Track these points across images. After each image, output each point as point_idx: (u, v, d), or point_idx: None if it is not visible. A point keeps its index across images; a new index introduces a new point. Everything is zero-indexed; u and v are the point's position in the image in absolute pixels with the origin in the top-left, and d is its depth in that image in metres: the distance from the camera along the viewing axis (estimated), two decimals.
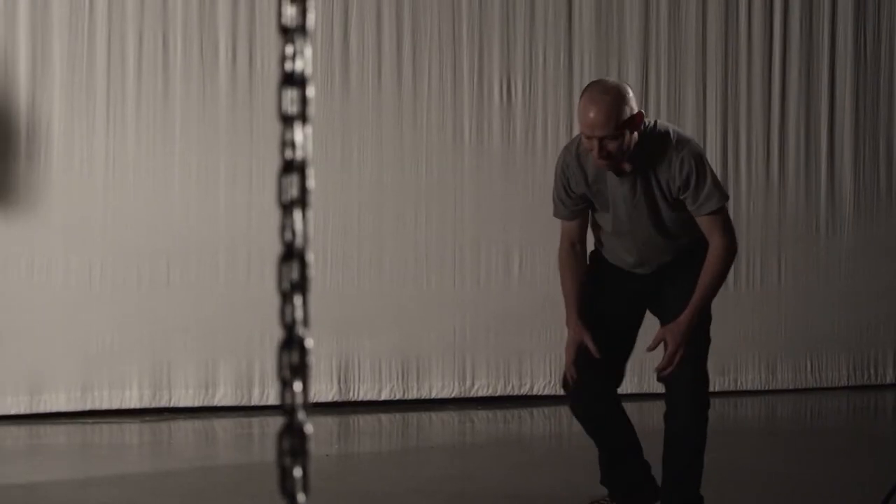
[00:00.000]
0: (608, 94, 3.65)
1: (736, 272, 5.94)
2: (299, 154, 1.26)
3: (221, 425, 5.28)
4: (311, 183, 1.27)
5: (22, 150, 5.10)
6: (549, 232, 5.73)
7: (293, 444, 1.27)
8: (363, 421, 5.43)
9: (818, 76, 6.18)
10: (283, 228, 1.27)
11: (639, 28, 5.91)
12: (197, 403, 5.36)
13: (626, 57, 5.91)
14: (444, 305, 5.72)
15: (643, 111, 3.68)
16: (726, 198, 3.78)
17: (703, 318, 3.77)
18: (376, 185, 5.61)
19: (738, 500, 4.06)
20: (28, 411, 5.14)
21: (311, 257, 1.27)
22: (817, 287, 6.19)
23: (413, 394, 5.69)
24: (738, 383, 6.08)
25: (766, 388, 6.12)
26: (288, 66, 1.26)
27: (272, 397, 5.36)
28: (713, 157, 6.03)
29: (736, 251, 3.80)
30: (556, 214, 3.88)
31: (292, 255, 1.26)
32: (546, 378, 5.85)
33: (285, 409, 1.27)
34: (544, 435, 5.57)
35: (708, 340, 3.79)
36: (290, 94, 1.26)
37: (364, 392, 5.60)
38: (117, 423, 5.18)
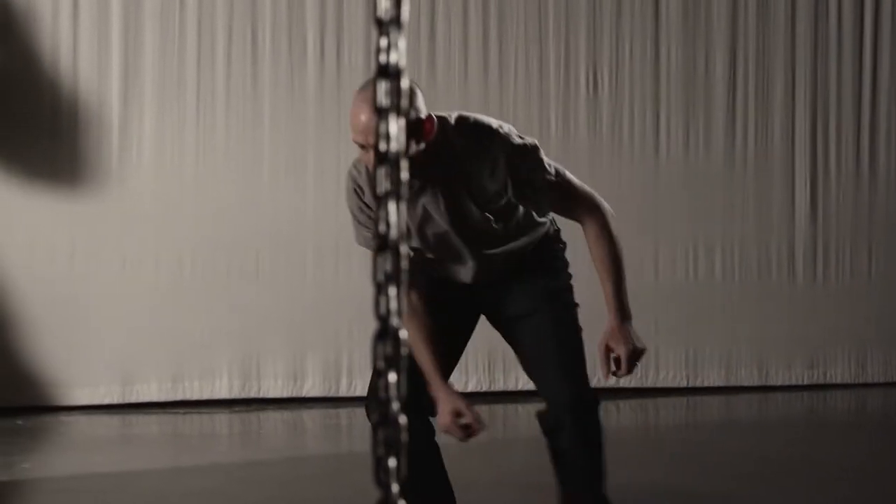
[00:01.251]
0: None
1: (825, 264, 5.87)
2: (393, 146, 1.26)
3: (310, 416, 5.31)
4: (404, 175, 1.27)
5: (115, 143, 5.17)
6: (637, 224, 5.73)
7: (388, 435, 1.28)
8: None
9: None
10: (377, 221, 1.27)
11: (726, 18, 5.85)
12: (286, 394, 5.41)
13: (714, 47, 5.86)
14: None
15: (434, 115, 3.00)
16: (550, 168, 3.12)
17: (568, 307, 3.22)
18: None
19: (825, 494, 4.02)
20: (120, 401, 5.22)
21: (405, 249, 1.28)
22: None
23: (499, 385, 5.69)
24: (828, 377, 6.01)
25: (856, 381, 6.04)
26: (382, 58, 1.27)
27: (360, 388, 5.39)
28: (802, 150, 5.97)
29: (609, 214, 3.21)
30: (360, 242, 3.18)
31: (387, 246, 1.27)
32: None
33: (380, 400, 1.28)
34: (630, 427, 5.53)
35: (579, 329, 3.24)
36: (385, 86, 1.27)
37: (450, 383, 5.60)
38: (207, 413, 5.24)
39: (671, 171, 5.79)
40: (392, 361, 1.28)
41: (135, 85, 5.21)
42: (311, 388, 5.45)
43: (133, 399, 5.23)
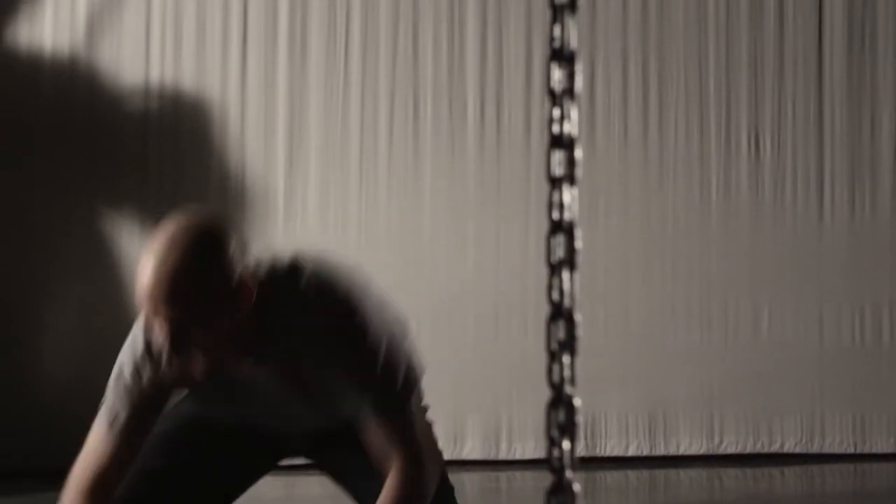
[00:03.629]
0: (183, 252, 2.21)
1: None
2: (567, 215, 1.28)
3: (469, 478, 5.32)
4: (578, 244, 1.28)
5: (280, 210, 5.28)
6: (801, 287, 5.65)
7: (562, 502, 1.28)
8: (610, 477, 5.40)
9: None
10: (550, 288, 1.28)
11: (892, 76, 5.75)
12: (446, 456, 5.41)
13: (879, 107, 5.76)
14: (691, 361, 5.65)
15: (248, 265, 2.31)
16: (410, 388, 2.44)
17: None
18: (622, 240, 5.59)
19: None
20: None
21: (579, 317, 1.29)
22: None
23: (660, 450, 5.62)
24: None
25: None
26: (556, 128, 1.28)
27: (519, 452, 5.38)
28: None
29: (429, 474, 2.45)
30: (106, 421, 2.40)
31: (560, 314, 1.28)
32: (797, 436, 5.70)
33: (553, 467, 1.28)
34: (795, 495, 5.42)
35: None
36: (558, 156, 1.29)
37: (611, 448, 5.56)
38: None
39: (835, 232, 5.69)
40: (566, 429, 1.29)
41: (300, 152, 5.32)
42: (470, 451, 5.46)
43: None
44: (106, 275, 5.01)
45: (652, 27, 5.58)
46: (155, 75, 5.15)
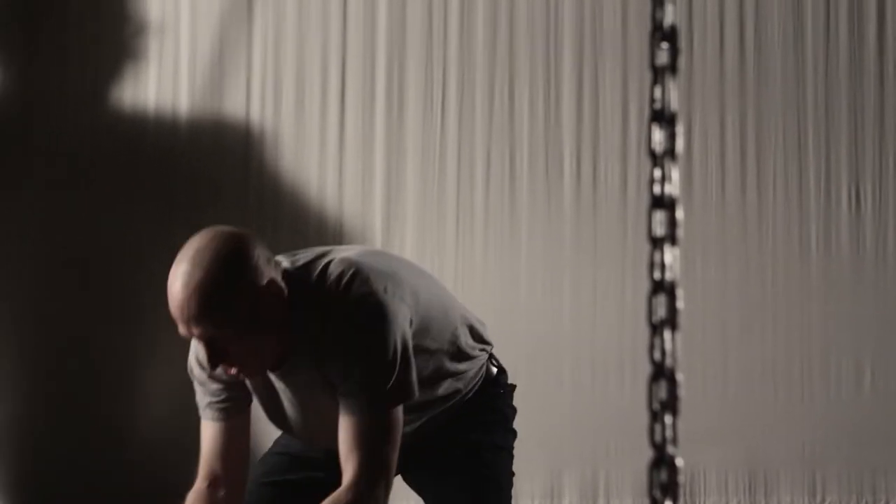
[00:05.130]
0: (207, 266, 2.26)
1: None
2: (668, 275, 1.28)
3: None
4: (680, 304, 1.29)
5: None
6: None
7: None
8: None
9: None
10: (651, 348, 1.29)
11: None
12: None
13: None
14: (792, 417, 5.58)
15: (274, 273, 2.35)
16: (399, 399, 2.37)
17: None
18: (720, 296, 5.55)
19: None
20: None
21: (680, 377, 1.29)
22: None
23: None
24: None
25: None
26: (657, 188, 1.29)
27: None
28: None
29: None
30: (201, 413, 2.58)
31: (662, 374, 1.28)
32: None
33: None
34: None
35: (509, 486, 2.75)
36: (659, 216, 1.29)
37: None
38: None
39: None
40: (668, 490, 1.28)
41: (397, 207, 5.36)
42: None
43: None
44: None
45: (749, 83, 5.55)
46: (256, 131, 5.23)
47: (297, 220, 5.30)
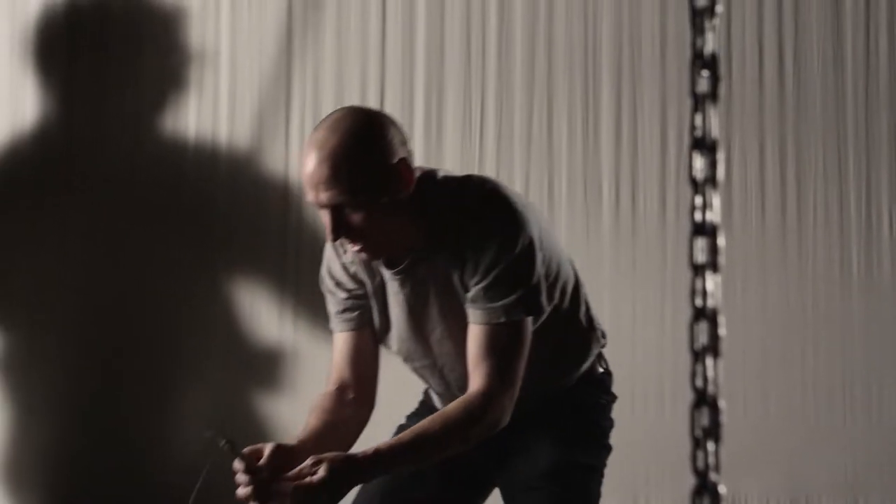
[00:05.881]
0: (342, 132, 2.28)
1: None
2: (710, 302, 1.28)
3: None
4: (722, 331, 1.29)
5: None
6: None
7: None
8: None
9: None
10: (693, 375, 1.29)
11: None
12: None
13: None
14: (833, 443, 5.55)
15: (407, 157, 2.37)
16: (531, 311, 2.38)
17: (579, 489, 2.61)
18: (761, 320, 5.53)
19: None
20: None
21: (723, 404, 1.29)
22: None
23: None
24: None
25: None
26: (697, 216, 1.30)
27: None
28: None
29: (500, 417, 2.34)
30: (331, 325, 2.60)
31: (704, 401, 1.28)
32: None
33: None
34: None
35: None
36: (700, 244, 1.30)
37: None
38: None
39: None
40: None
41: None
42: None
43: None
44: (242, 357, 5.09)
45: (789, 108, 5.54)
46: (294, 158, 5.25)
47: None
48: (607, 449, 2.76)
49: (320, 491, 2.18)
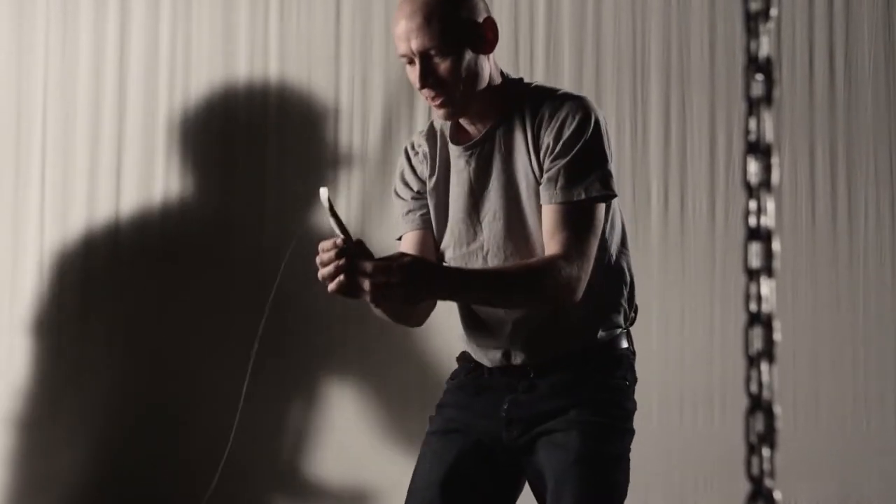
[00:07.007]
0: None
1: None
2: (765, 307, 1.27)
3: None
4: (777, 336, 1.28)
5: None
6: None
7: None
8: None
9: None
10: (748, 380, 1.28)
11: None
12: None
13: None
14: (886, 450, 5.50)
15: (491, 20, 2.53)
16: (607, 196, 2.50)
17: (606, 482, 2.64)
18: (811, 326, 5.49)
19: None
20: None
21: (778, 410, 1.28)
22: None
23: None
24: None
25: None
26: (752, 220, 1.29)
27: None
28: None
29: (574, 284, 2.45)
30: (397, 233, 2.78)
31: (759, 407, 1.28)
32: None
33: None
34: None
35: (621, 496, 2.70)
36: (755, 249, 1.29)
37: None
38: None
39: None
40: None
41: None
42: None
43: None
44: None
45: (839, 111, 5.51)
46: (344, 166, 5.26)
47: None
48: (631, 433, 2.79)
49: (398, 273, 2.25)
